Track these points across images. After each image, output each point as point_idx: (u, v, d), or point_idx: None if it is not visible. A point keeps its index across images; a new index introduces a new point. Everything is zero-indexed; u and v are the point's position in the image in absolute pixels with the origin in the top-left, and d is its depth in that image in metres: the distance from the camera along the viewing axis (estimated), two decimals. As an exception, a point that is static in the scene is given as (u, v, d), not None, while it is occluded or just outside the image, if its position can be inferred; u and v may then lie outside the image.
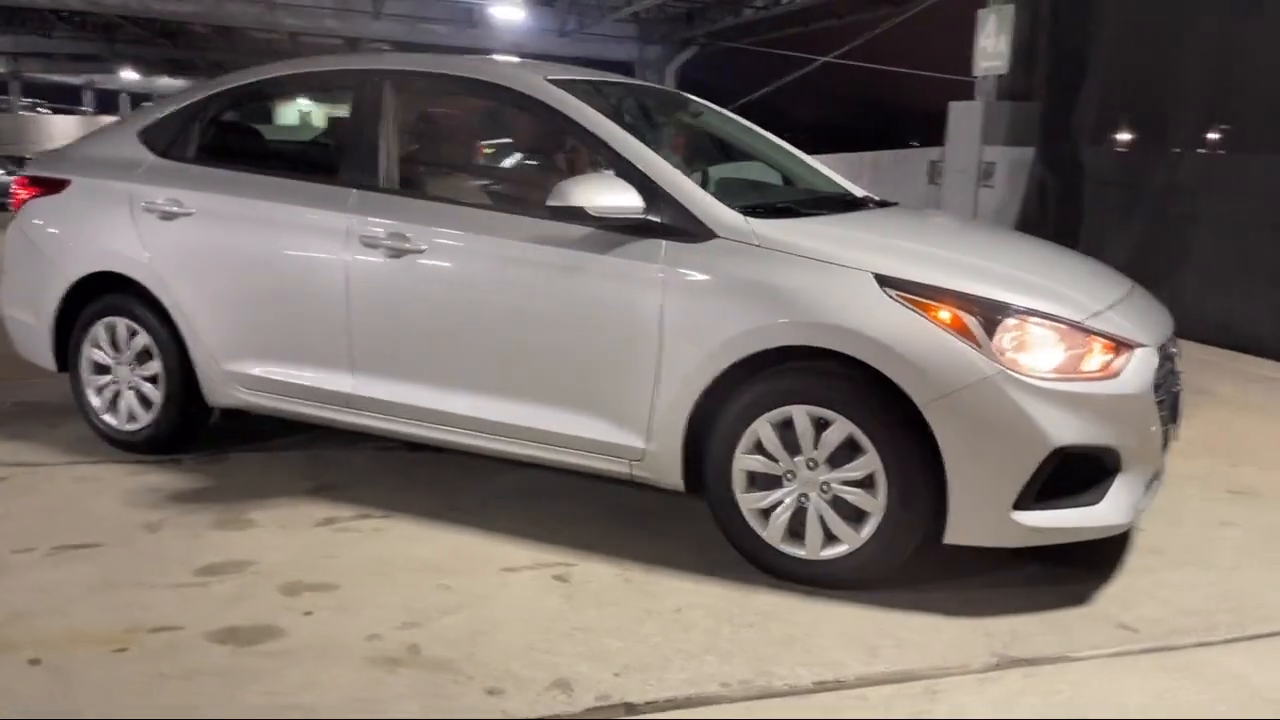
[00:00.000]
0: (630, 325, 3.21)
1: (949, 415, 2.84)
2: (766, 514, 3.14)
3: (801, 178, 4.42)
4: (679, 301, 3.14)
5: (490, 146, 4.77)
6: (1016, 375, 2.83)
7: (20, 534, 3.42)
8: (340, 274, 3.66)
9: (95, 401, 4.26)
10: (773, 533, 3.12)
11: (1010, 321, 2.88)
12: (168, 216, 3.98)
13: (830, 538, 3.06)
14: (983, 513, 2.88)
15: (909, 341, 2.87)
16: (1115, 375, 2.93)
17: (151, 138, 4.18)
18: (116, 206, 4.10)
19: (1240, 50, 7.40)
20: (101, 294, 4.20)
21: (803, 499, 3.08)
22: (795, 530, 3.11)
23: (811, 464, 3.05)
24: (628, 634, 2.81)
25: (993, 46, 10.67)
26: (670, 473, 3.27)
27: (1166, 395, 3.15)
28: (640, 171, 3.27)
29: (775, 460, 3.09)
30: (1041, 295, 3.00)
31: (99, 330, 4.19)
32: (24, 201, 4.41)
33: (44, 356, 4.39)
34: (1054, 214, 9.12)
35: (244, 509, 3.67)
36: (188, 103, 4.18)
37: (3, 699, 2.45)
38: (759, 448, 3.11)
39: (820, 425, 3.02)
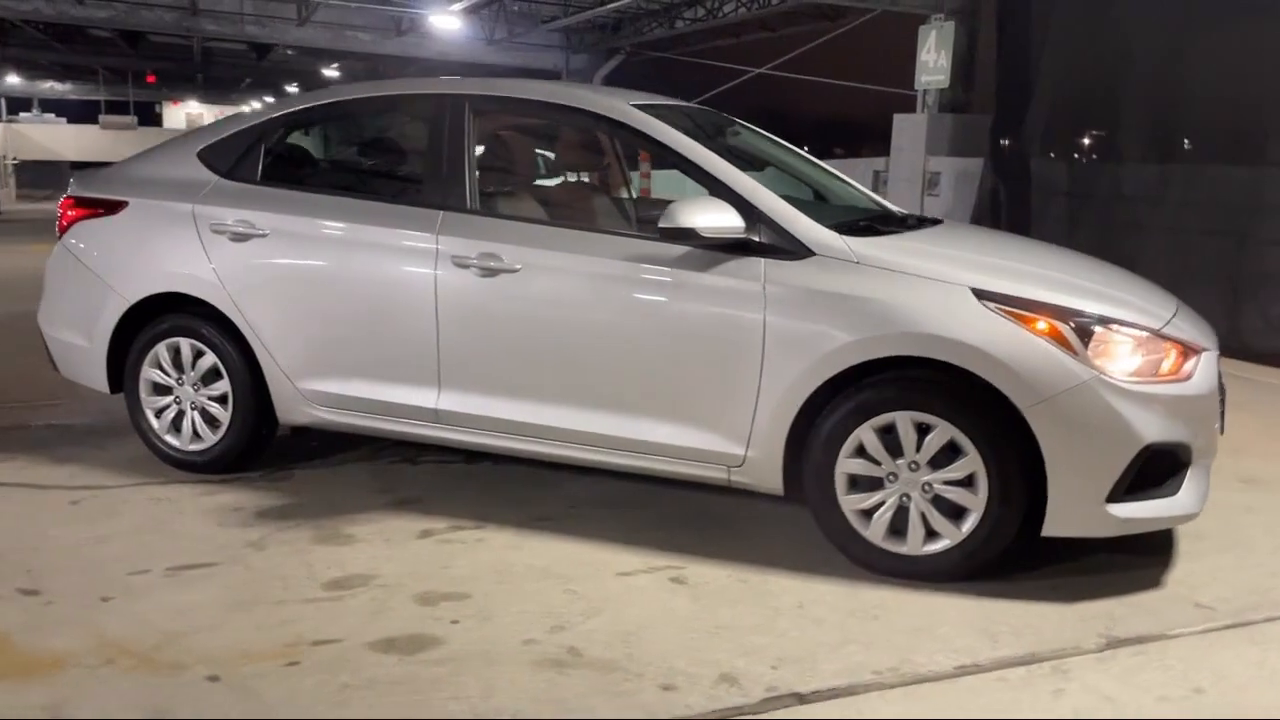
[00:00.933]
0: (733, 339, 3.40)
1: (1050, 418, 3.09)
2: (868, 514, 3.35)
3: (836, 194, 4.65)
4: (782, 316, 3.34)
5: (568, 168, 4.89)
6: (1108, 379, 3.10)
7: (126, 556, 3.44)
8: (429, 293, 3.75)
9: (155, 422, 4.26)
10: (875, 531, 3.34)
11: (1101, 330, 3.15)
12: (240, 238, 4.02)
13: (931, 534, 3.29)
14: (1080, 506, 3.15)
15: (1011, 350, 3.12)
16: (1188, 378, 3.23)
17: (214, 159, 4.21)
18: (181, 228, 4.12)
19: (1180, 65, 7.92)
20: (160, 315, 4.20)
21: (904, 499, 3.30)
22: (896, 528, 3.33)
23: (913, 466, 3.27)
24: (767, 630, 2.99)
25: (934, 62, 11.17)
26: (770, 478, 3.47)
27: (1220, 395, 3.46)
28: (736, 193, 3.46)
29: (878, 463, 3.31)
30: (1122, 306, 3.28)
31: (160, 351, 4.20)
32: (71, 222, 4.38)
33: (94, 378, 4.37)
34: (1003, 222, 9.58)
35: (338, 524, 3.74)
36: (254, 124, 4.21)
37: (198, 715, 2.51)
38: (861, 452, 3.32)
39: (922, 430, 3.24)
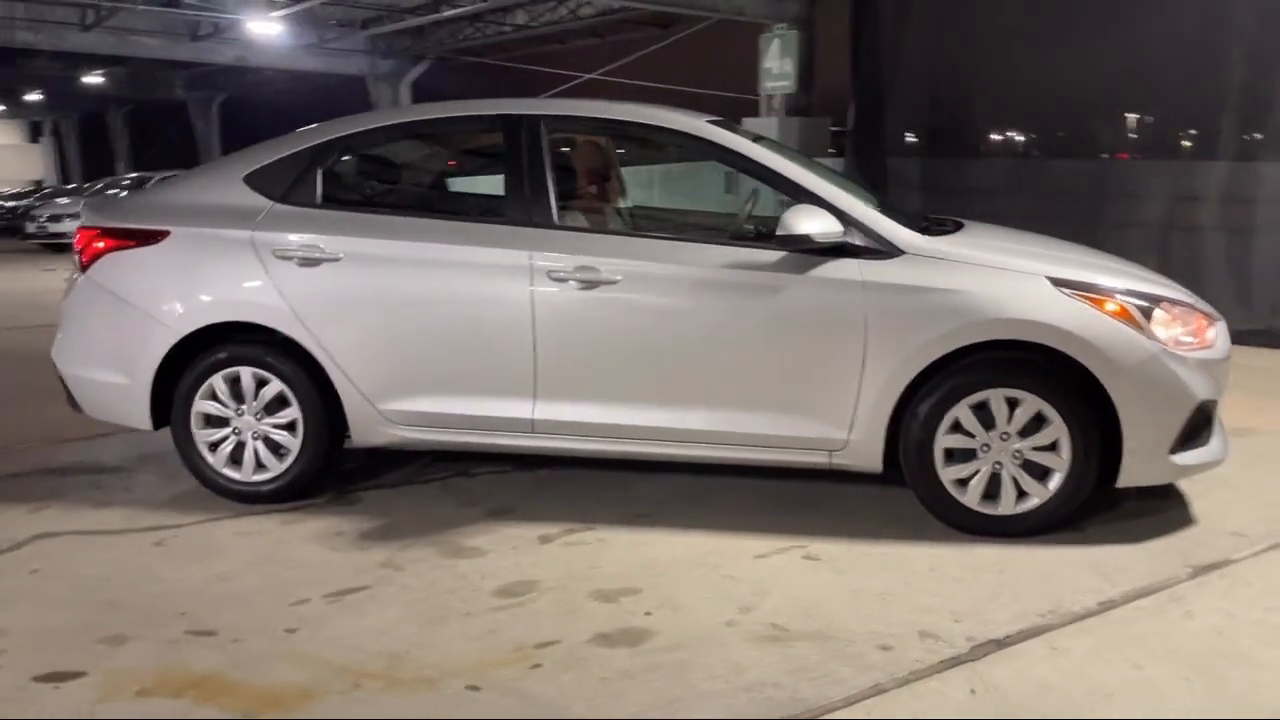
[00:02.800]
0: (836, 335, 3.74)
1: (1125, 385, 3.61)
2: (963, 483, 3.77)
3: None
4: (882, 310, 3.70)
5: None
6: (1169, 349, 3.65)
7: (269, 589, 3.41)
8: (525, 307, 3.88)
9: (211, 456, 4.16)
10: (971, 497, 3.77)
11: (1159, 309, 3.70)
12: (309, 263, 4.00)
13: (1021, 495, 3.75)
14: (1150, 459, 3.68)
15: (1091, 330, 3.61)
16: (1213, 344, 3.83)
17: (264, 183, 4.14)
18: (239, 255, 4.05)
19: (1028, 69, 8.88)
20: (210, 347, 4.10)
21: (997, 465, 3.74)
22: (988, 493, 3.77)
23: (1005, 436, 3.72)
24: (922, 591, 3.35)
25: (778, 68, 11.87)
26: (871, 458, 3.83)
27: (1222, 358, 4.10)
28: (827, 201, 3.80)
29: (972, 436, 3.74)
30: (1163, 287, 3.85)
31: (216, 383, 4.10)
32: (98, 255, 4.19)
33: (133, 416, 4.21)
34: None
35: (454, 538, 3.82)
36: (307, 146, 4.17)
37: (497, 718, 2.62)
38: (957, 427, 3.74)
39: (1011, 404, 3.69)
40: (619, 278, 3.84)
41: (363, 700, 2.72)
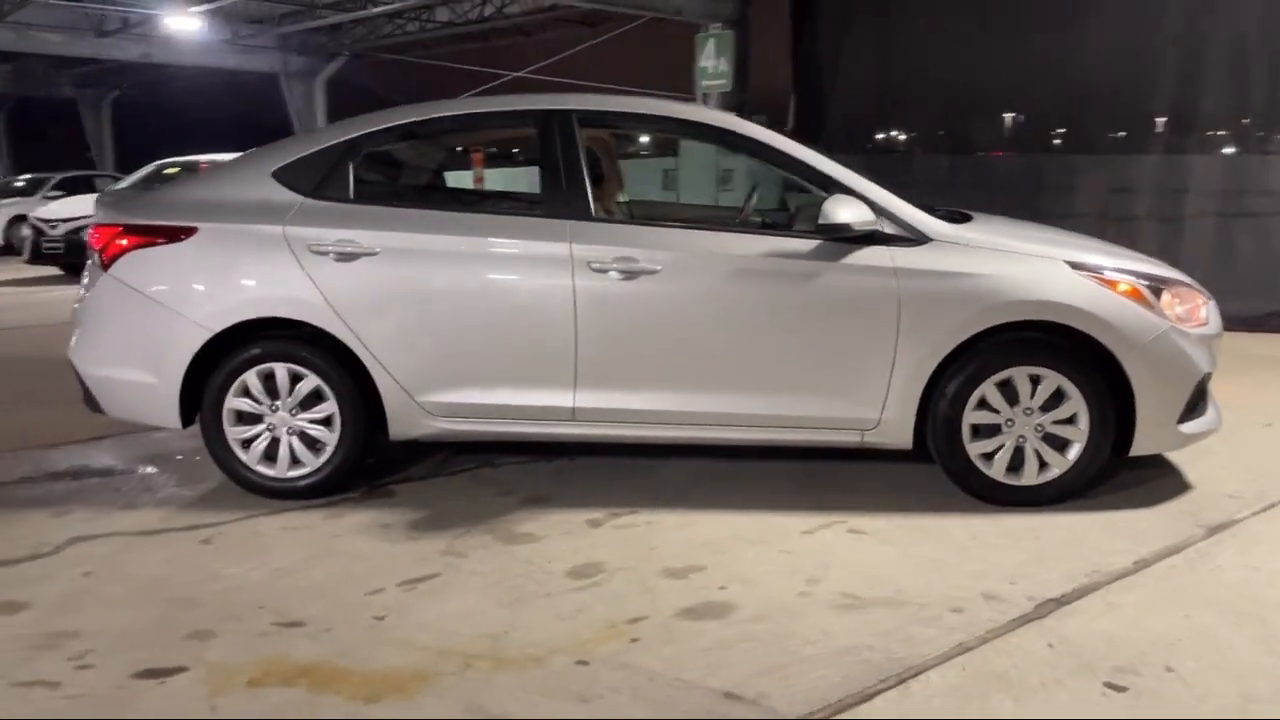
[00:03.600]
0: (871, 318, 3.92)
1: (1140, 361, 3.87)
2: (989, 456, 3.99)
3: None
4: (913, 295, 3.90)
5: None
6: (1176, 326, 3.92)
7: (338, 580, 3.43)
8: (567, 298, 3.97)
9: (243, 454, 4.14)
10: (996, 470, 3.99)
11: (1165, 289, 3.97)
12: (346, 258, 4.01)
13: (1043, 466, 3.98)
14: (1160, 429, 3.96)
15: (1108, 310, 3.86)
16: (1208, 321, 4.12)
17: (293, 179, 4.14)
18: (272, 251, 4.04)
19: (967, 70, 9.26)
20: (242, 344, 4.09)
21: (1020, 439, 3.97)
22: (1012, 465, 3.99)
23: (1027, 411, 3.95)
24: (973, 558, 3.55)
25: (714, 67, 12.11)
26: (902, 435, 4.03)
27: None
28: (859, 191, 3.97)
29: (997, 412, 3.96)
30: (1165, 269, 4.13)
31: (250, 379, 4.08)
32: (120, 253, 4.13)
33: (160, 415, 4.16)
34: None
35: (505, 525, 3.89)
36: (337, 141, 4.17)
37: (615, 688, 2.71)
38: (982, 404, 3.96)
39: (1034, 380, 3.93)
40: (659, 267, 3.96)
41: (478, 680, 2.78)
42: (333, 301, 4.00)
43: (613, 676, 2.79)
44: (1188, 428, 4.00)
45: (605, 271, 3.95)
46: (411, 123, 4.29)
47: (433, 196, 4.56)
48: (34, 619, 3.17)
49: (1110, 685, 2.72)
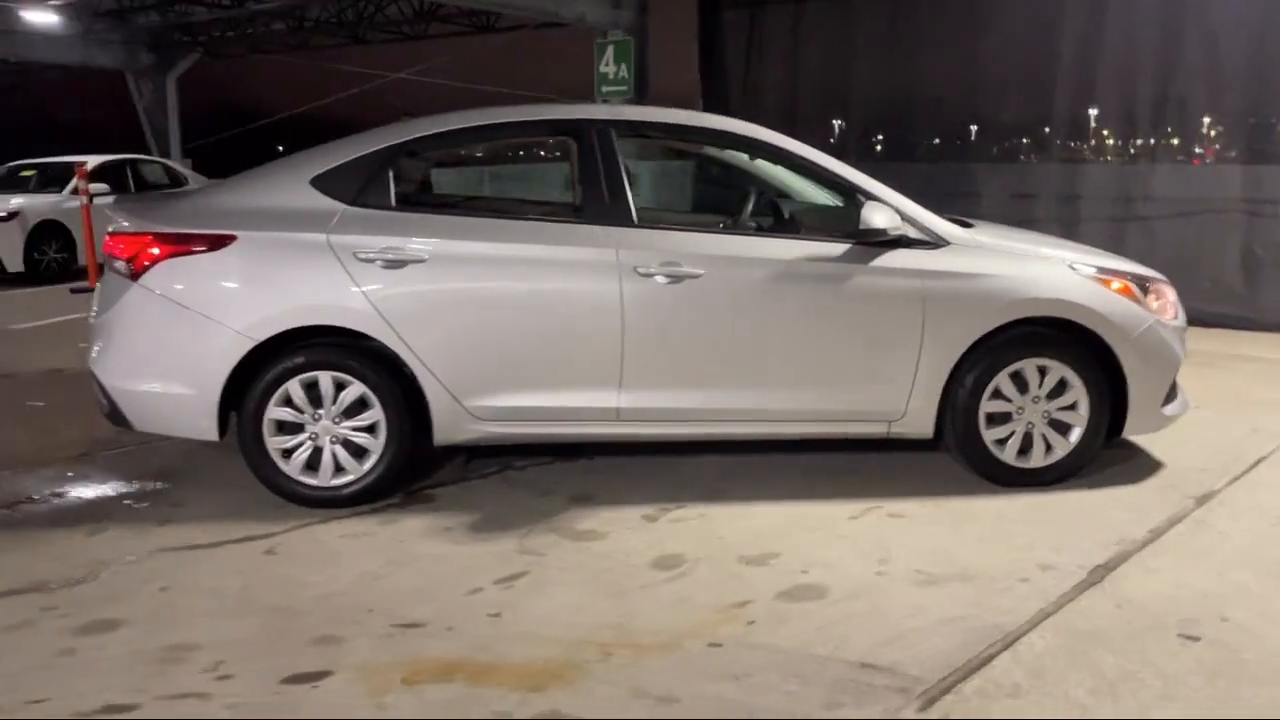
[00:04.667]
0: (899, 317, 4.22)
1: (1131, 351, 4.30)
2: (1002, 442, 4.36)
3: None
4: (937, 294, 4.22)
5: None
6: (1159, 319, 4.38)
7: (432, 582, 3.49)
8: (614, 302, 4.12)
9: (284, 464, 4.12)
10: (1009, 454, 4.36)
11: (1149, 286, 4.43)
12: (394, 265, 4.05)
13: (1048, 449, 4.38)
14: (1148, 412, 4.40)
15: (1106, 306, 4.28)
16: (1178, 315, 4.61)
17: (332, 186, 4.14)
18: (317, 259, 4.04)
19: (872, 76, 9.77)
20: (281, 353, 4.08)
21: (1029, 425, 4.35)
22: (1020, 449, 4.37)
23: (1035, 399, 4.33)
24: (1014, 534, 3.89)
25: (614, 73, 12.34)
26: (925, 425, 4.35)
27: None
28: (884, 199, 4.27)
29: (1010, 401, 4.33)
30: (1146, 269, 4.58)
31: (293, 388, 4.07)
32: (153, 262, 4.05)
33: (197, 427, 4.11)
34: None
35: (565, 523, 4.01)
36: (376, 149, 4.19)
37: (754, 668, 2.90)
38: (997, 393, 4.32)
39: (1042, 371, 4.31)
40: (701, 271, 4.15)
41: (626, 666, 2.92)
42: (381, 309, 4.03)
43: (751, 656, 2.98)
44: (1168, 410, 4.47)
45: (651, 276, 4.12)
46: (450, 131, 4.34)
47: (474, 203, 4.63)
48: (139, 635, 3.12)
49: (1184, 636, 3.08)
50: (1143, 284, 4.41)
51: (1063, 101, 8.77)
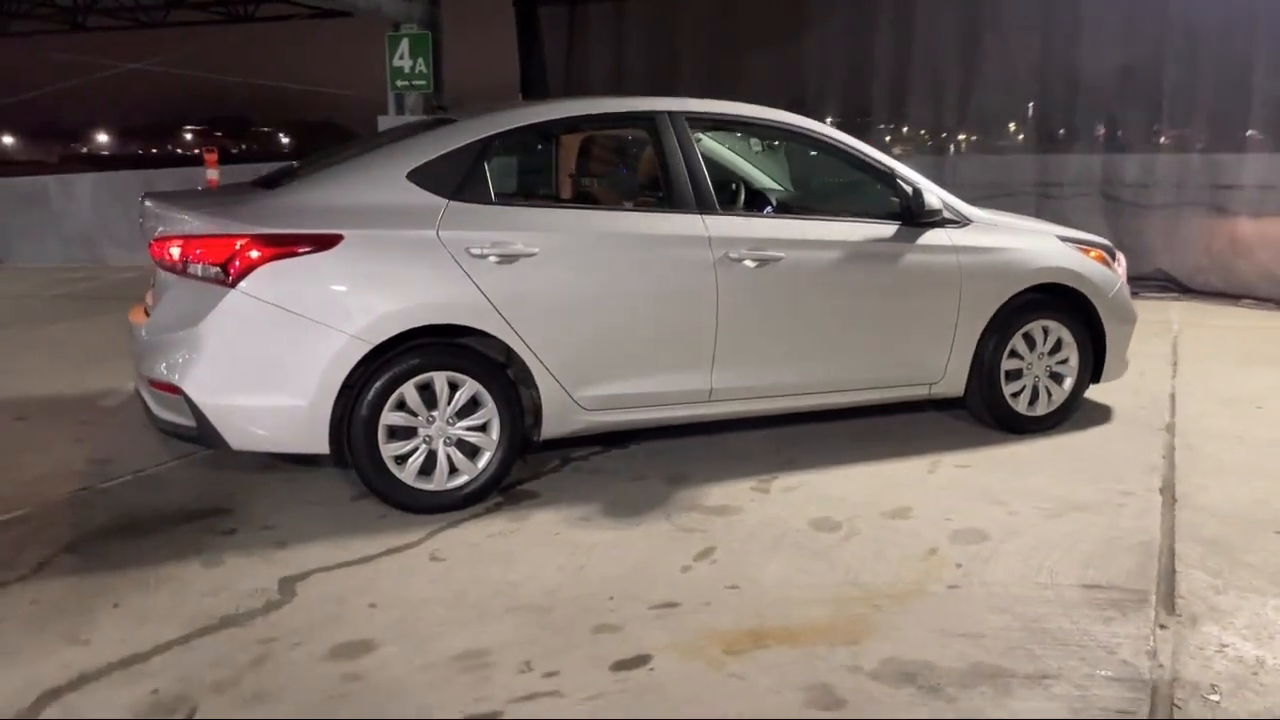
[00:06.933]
0: (944, 288, 4.73)
1: (1108, 310, 5.06)
2: (1017, 395, 5.00)
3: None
4: (970, 266, 4.76)
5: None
6: (1123, 282, 5.19)
7: (630, 569, 3.56)
8: (710, 286, 4.32)
9: (398, 470, 4.00)
10: (1020, 406, 5.01)
11: (1117, 254, 5.23)
12: (507, 259, 4.03)
13: (1050, 398, 5.07)
14: (1118, 361, 5.20)
15: (1090, 272, 5.01)
16: (1124, 277, 5.45)
17: (430, 180, 4.03)
18: (430, 256, 3.94)
19: (718, 71, 10.26)
20: (393, 355, 3.96)
21: (1036, 380, 5.02)
22: (1029, 401, 5.04)
23: (1040, 356, 5.01)
24: (1069, 472, 4.47)
25: (409, 67, 12.12)
26: (958, 385, 4.90)
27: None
28: (922, 185, 4.75)
29: (1021, 358, 4.97)
30: (1101, 239, 5.38)
31: (408, 391, 3.96)
32: (252, 266, 3.78)
33: (307, 439, 3.88)
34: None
35: (688, 500, 4.16)
36: (468, 142, 4.11)
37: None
38: (1013, 354, 4.95)
39: (1045, 331, 4.99)
40: (782, 254, 4.44)
41: (904, 612, 3.18)
42: (498, 304, 3.99)
43: (989, 592, 3.34)
44: (1126, 360, 5.30)
45: (741, 260, 4.36)
46: (540, 123, 4.34)
47: (565, 195, 4.60)
48: (410, 651, 2.99)
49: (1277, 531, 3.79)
50: (1110, 251, 5.19)
51: (880, 97, 9.71)
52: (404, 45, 12.09)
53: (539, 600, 3.30)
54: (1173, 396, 5.76)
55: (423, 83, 12.06)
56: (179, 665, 2.92)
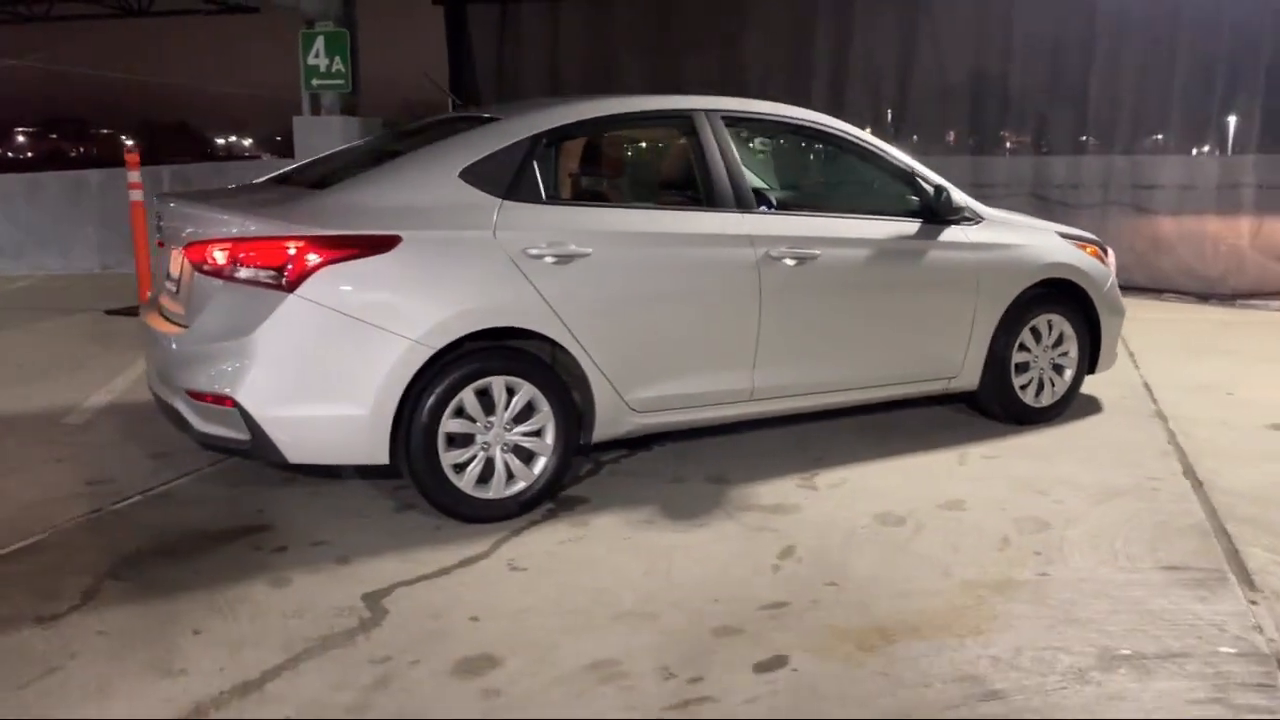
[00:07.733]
0: (964, 283, 4.85)
1: (1104, 302, 5.28)
2: (1024, 388, 5.16)
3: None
4: (986, 262, 4.90)
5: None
6: (1114, 276, 5.42)
7: (711, 572, 3.53)
8: (753, 285, 4.33)
9: (458, 480, 3.88)
10: (1029, 396, 5.18)
11: (1109, 250, 5.45)
12: (563, 260, 3.96)
13: (1053, 389, 5.25)
14: (1110, 353, 5.42)
15: (1087, 266, 5.21)
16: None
17: (482, 179, 3.92)
18: (488, 258, 3.84)
19: (656, 71, 10.27)
20: (451, 360, 3.84)
21: (1042, 372, 5.20)
22: (1035, 393, 5.21)
23: (1045, 349, 5.19)
24: (1092, 461, 4.63)
25: (325, 66, 11.76)
26: (973, 379, 5.03)
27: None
28: (943, 184, 4.86)
29: (1029, 351, 5.14)
30: (1091, 235, 5.60)
31: (467, 397, 3.85)
32: (310, 270, 3.62)
33: (367, 450, 3.73)
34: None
35: (739, 500, 4.15)
36: (517, 140, 4.00)
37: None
38: (1022, 347, 5.11)
39: (1050, 325, 5.18)
40: (818, 252, 4.48)
41: (1011, 602, 3.23)
42: (556, 306, 3.92)
43: (1079, 578, 3.43)
44: (1115, 351, 5.54)
45: (782, 259, 4.38)
46: (579, 121, 4.24)
47: (607, 193, 4.52)
48: (535, 664, 2.89)
49: (1313, 508, 4.02)
50: (1104, 246, 5.41)
51: (818, 98, 9.87)
52: (319, 43, 11.70)
53: (641, 606, 3.25)
54: (1147, 386, 6.04)
55: (340, 82, 11.68)
56: (299, 691, 2.76)
